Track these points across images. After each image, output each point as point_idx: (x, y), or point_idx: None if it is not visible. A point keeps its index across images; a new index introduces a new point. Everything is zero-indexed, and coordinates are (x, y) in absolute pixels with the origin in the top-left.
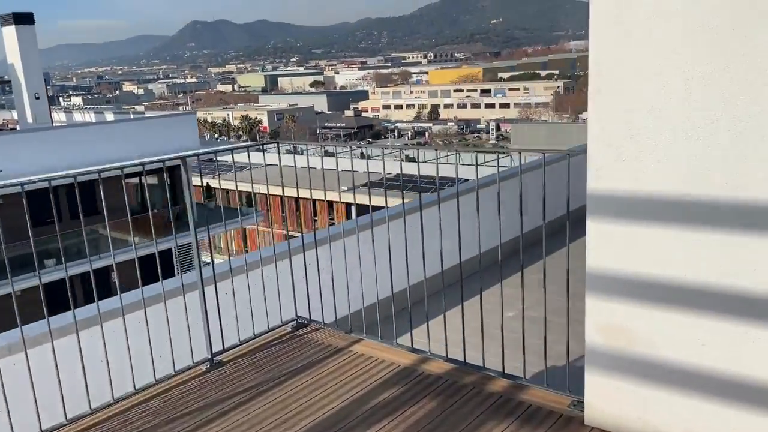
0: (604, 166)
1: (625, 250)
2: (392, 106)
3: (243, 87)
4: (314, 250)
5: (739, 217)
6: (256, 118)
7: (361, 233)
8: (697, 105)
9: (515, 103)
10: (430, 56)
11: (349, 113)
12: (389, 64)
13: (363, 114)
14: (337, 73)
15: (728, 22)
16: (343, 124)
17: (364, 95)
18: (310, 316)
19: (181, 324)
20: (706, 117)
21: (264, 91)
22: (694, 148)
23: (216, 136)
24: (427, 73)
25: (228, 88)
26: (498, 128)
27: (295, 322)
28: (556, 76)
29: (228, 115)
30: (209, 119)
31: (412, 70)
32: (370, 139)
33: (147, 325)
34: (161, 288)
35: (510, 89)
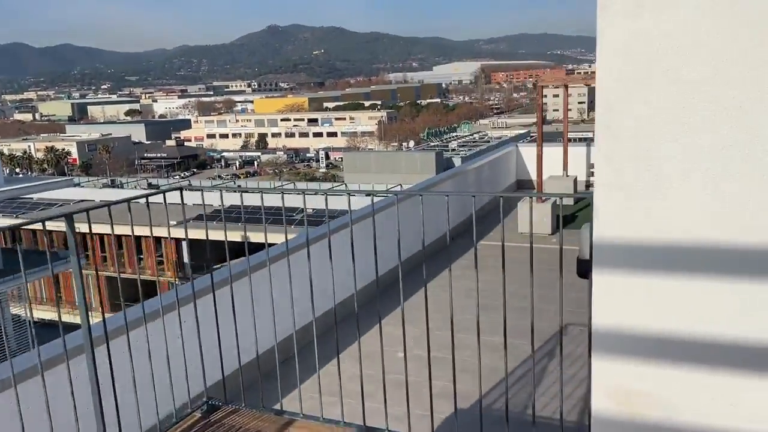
0: (615, 212)
1: (639, 304)
2: (217, 135)
3: (46, 116)
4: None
5: None
6: (63, 149)
7: (254, 275)
8: (726, 141)
9: (342, 132)
10: (254, 85)
11: (170, 143)
12: (211, 93)
13: (186, 143)
14: (155, 101)
15: (760, 49)
16: (165, 155)
17: (186, 124)
18: (225, 396)
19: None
20: (735, 155)
21: (72, 120)
22: (721, 189)
23: (17, 170)
24: (252, 101)
25: (28, 116)
26: (327, 157)
27: (205, 405)
28: (379, 106)
29: (29, 146)
30: (6, 151)
31: (237, 98)
32: (195, 170)
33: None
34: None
35: (336, 119)
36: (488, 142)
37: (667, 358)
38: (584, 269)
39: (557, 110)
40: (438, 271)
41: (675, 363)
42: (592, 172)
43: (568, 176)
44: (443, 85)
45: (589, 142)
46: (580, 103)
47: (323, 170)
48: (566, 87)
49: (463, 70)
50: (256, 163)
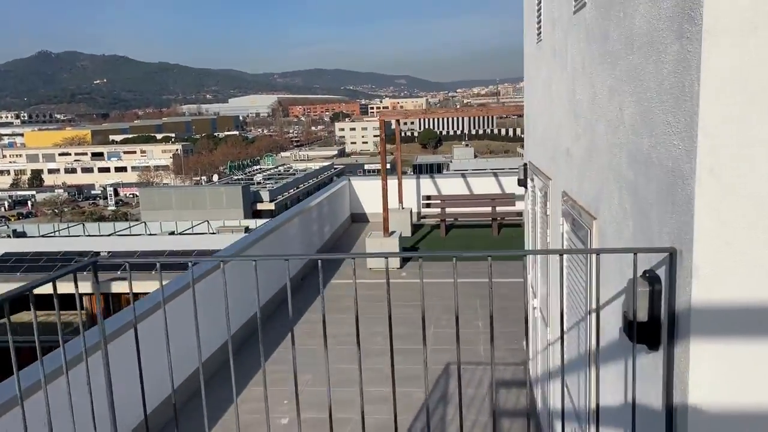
0: (721, 270)
1: (752, 382)
2: None
3: None
4: None
5: None
6: None
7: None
8: None
9: (133, 167)
10: (24, 116)
11: None
12: None
13: None
14: None
15: None
16: None
17: None
18: None
19: None
20: None
21: None
22: None
23: None
24: (22, 134)
25: None
26: (117, 193)
27: None
28: (173, 139)
29: None
30: None
31: (3, 131)
32: None
33: None
34: None
35: (125, 152)
36: (294, 174)
37: None
38: (643, 334)
39: (354, 143)
40: (284, 329)
41: None
42: (425, 204)
43: (404, 209)
44: (240, 118)
45: (419, 175)
46: (375, 136)
47: (112, 208)
48: (398, 122)
49: (260, 103)
50: (30, 203)
